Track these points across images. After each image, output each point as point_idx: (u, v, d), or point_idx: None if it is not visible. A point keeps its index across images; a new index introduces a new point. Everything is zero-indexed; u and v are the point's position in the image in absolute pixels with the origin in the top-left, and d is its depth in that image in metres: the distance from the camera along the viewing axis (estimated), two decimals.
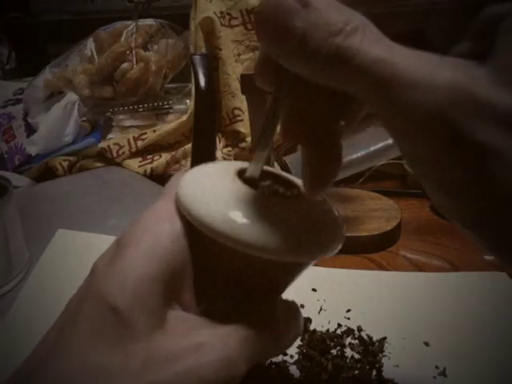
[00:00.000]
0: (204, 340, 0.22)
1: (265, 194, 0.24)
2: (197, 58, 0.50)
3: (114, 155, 0.76)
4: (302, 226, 0.23)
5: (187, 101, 0.84)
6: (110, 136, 0.81)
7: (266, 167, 0.27)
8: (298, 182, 0.27)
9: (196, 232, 0.23)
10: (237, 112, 0.74)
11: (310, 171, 0.24)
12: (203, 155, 0.46)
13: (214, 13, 0.73)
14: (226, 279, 0.25)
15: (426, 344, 0.40)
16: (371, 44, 0.18)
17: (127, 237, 0.23)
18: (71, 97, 0.78)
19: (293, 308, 0.27)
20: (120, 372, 0.20)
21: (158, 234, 0.23)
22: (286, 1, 0.19)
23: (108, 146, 0.76)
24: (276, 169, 0.28)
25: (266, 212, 0.23)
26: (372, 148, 0.54)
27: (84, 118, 0.80)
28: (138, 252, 0.22)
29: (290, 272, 0.26)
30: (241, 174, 0.25)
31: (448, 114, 0.17)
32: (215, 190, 0.24)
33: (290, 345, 0.26)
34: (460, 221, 0.20)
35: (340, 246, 0.25)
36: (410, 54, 0.18)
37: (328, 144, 0.24)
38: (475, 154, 0.17)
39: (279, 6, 0.19)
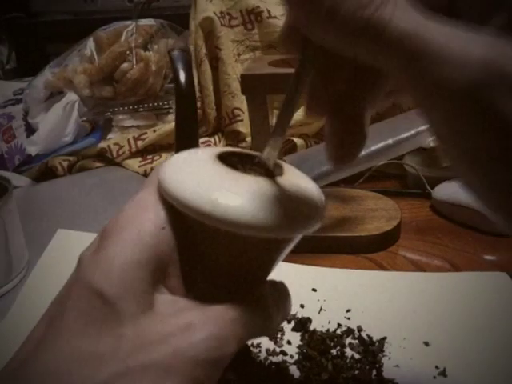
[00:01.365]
0: (193, 320, 0.22)
1: (246, 174, 0.24)
2: (176, 54, 0.48)
3: (114, 155, 0.76)
4: (282, 203, 0.23)
5: None
6: (110, 136, 0.81)
7: (246, 151, 0.27)
8: (280, 162, 0.27)
9: (180, 216, 0.23)
10: (237, 112, 0.74)
11: (335, 144, 0.24)
12: None
13: (214, 13, 0.73)
14: (212, 261, 0.25)
15: (426, 344, 0.40)
16: (403, 16, 0.18)
17: (111, 226, 0.23)
18: (71, 97, 0.78)
19: (281, 288, 0.27)
20: (109, 355, 0.20)
21: (142, 221, 0.23)
22: None
23: (108, 146, 0.76)
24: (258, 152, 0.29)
25: (248, 190, 0.23)
26: (372, 148, 0.54)
27: (84, 118, 0.80)
28: (123, 240, 0.22)
29: (275, 249, 0.26)
30: (222, 157, 0.25)
31: (481, 91, 0.17)
32: (197, 172, 0.24)
33: (278, 325, 0.26)
34: (485, 199, 0.20)
35: (320, 222, 0.25)
36: (444, 26, 0.18)
37: (354, 117, 0.24)
38: (507, 131, 0.17)
39: None
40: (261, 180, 0.24)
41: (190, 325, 0.21)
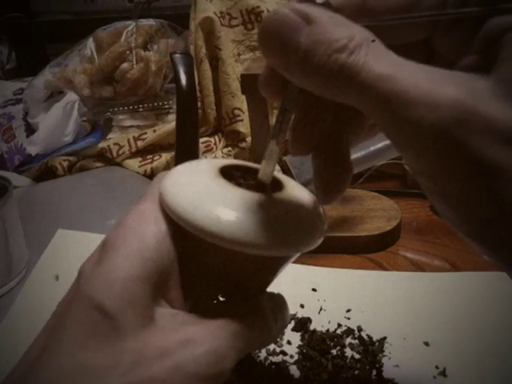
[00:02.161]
0: (192, 335, 0.22)
1: (248, 191, 0.24)
2: (177, 57, 0.49)
3: (114, 155, 0.76)
4: (285, 221, 0.24)
5: None
6: (110, 136, 0.81)
7: (249, 163, 0.28)
8: (282, 176, 0.27)
9: (181, 231, 0.23)
10: (237, 112, 0.74)
11: (321, 181, 0.25)
12: (187, 158, 0.46)
13: (214, 13, 0.73)
14: (212, 275, 0.25)
15: (426, 344, 0.40)
16: (375, 60, 0.18)
17: (112, 239, 0.23)
18: (71, 97, 0.78)
19: (278, 301, 0.27)
20: (110, 370, 0.20)
21: (143, 234, 0.23)
22: (290, 16, 0.19)
23: (108, 146, 0.76)
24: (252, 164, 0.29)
25: (249, 208, 0.23)
26: (372, 148, 0.54)
27: (84, 118, 0.80)
28: (124, 253, 0.22)
29: (274, 266, 0.26)
30: (224, 171, 0.25)
31: (452, 131, 0.17)
32: (199, 189, 0.24)
33: (277, 336, 0.27)
34: (464, 231, 0.20)
35: (322, 238, 0.25)
36: (415, 69, 0.18)
37: (337, 153, 0.25)
38: (480, 170, 0.17)
39: (283, 21, 0.19)
40: (260, 197, 0.24)
41: (190, 340, 0.22)
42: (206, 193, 0.23)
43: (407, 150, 0.19)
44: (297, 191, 0.27)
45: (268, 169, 0.25)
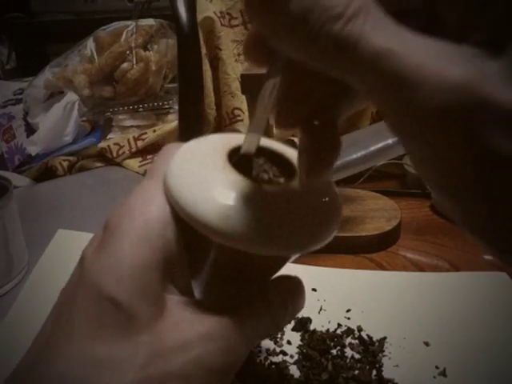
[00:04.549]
0: (209, 329, 0.22)
1: (256, 184, 0.23)
2: None
3: (114, 155, 0.76)
4: (294, 218, 0.22)
5: None
6: (110, 136, 0.81)
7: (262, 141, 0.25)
8: (295, 156, 0.25)
9: (185, 222, 0.23)
10: (237, 112, 0.74)
11: (307, 158, 0.23)
12: (192, 119, 0.39)
13: (214, 13, 0.73)
14: (218, 263, 0.25)
15: (426, 344, 0.40)
16: (374, 31, 0.16)
17: (115, 221, 0.22)
18: (71, 97, 0.78)
19: (290, 285, 0.26)
20: (128, 362, 0.20)
21: (148, 217, 0.22)
22: None
23: (108, 146, 0.76)
24: (272, 142, 0.27)
25: (260, 206, 0.22)
26: (372, 148, 0.54)
27: (84, 118, 0.80)
28: (130, 238, 0.21)
29: (282, 260, 0.26)
30: (232, 155, 0.24)
31: (459, 116, 0.16)
32: (204, 181, 0.22)
33: (286, 324, 0.26)
34: (467, 225, 0.19)
35: (334, 234, 0.24)
36: (418, 43, 0.16)
37: (326, 129, 0.23)
38: (487, 158, 0.16)
39: None
40: (272, 191, 0.23)
41: (206, 334, 0.21)
42: (212, 188, 0.22)
43: (409, 136, 0.18)
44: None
45: (253, 139, 0.23)
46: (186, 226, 0.23)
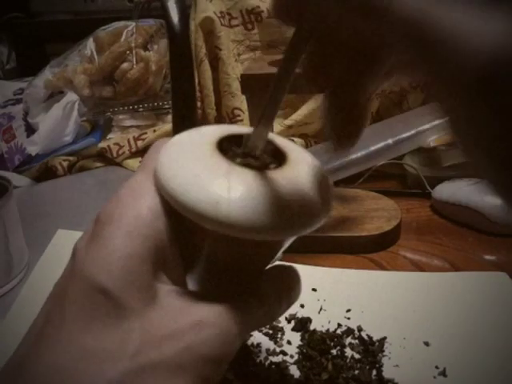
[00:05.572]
0: (201, 317, 0.21)
1: (245, 169, 0.23)
2: None
3: (114, 155, 0.76)
4: (284, 202, 0.22)
5: None
6: (110, 136, 0.81)
7: (247, 129, 0.25)
8: (286, 144, 0.26)
9: (177, 213, 0.22)
10: (237, 112, 0.74)
11: (334, 127, 0.23)
12: (184, 118, 0.38)
13: (214, 13, 0.73)
14: (210, 252, 0.25)
15: (426, 344, 0.40)
16: None
17: (107, 213, 0.22)
18: (71, 97, 0.78)
19: (284, 275, 0.26)
20: (118, 352, 0.20)
21: (139, 209, 0.22)
22: None
23: (108, 146, 0.76)
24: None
25: (250, 191, 0.22)
26: (372, 148, 0.54)
27: (84, 118, 0.80)
28: (121, 230, 0.21)
29: (275, 247, 0.25)
30: (222, 143, 0.24)
31: (494, 80, 0.15)
32: (194, 169, 0.22)
33: (282, 313, 0.25)
34: (500, 187, 0.18)
35: (323, 219, 0.24)
36: (455, 6, 0.16)
37: (354, 95, 0.23)
38: None
39: None
40: (261, 177, 0.23)
41: (199, 322, 0.21)
42: (202, 177, 0.22)
43: (446, 99, 0.17)
44: (302, 163, 0.25)
45: (262, 134, 0.23)
46: (179, 217, 0.23)
